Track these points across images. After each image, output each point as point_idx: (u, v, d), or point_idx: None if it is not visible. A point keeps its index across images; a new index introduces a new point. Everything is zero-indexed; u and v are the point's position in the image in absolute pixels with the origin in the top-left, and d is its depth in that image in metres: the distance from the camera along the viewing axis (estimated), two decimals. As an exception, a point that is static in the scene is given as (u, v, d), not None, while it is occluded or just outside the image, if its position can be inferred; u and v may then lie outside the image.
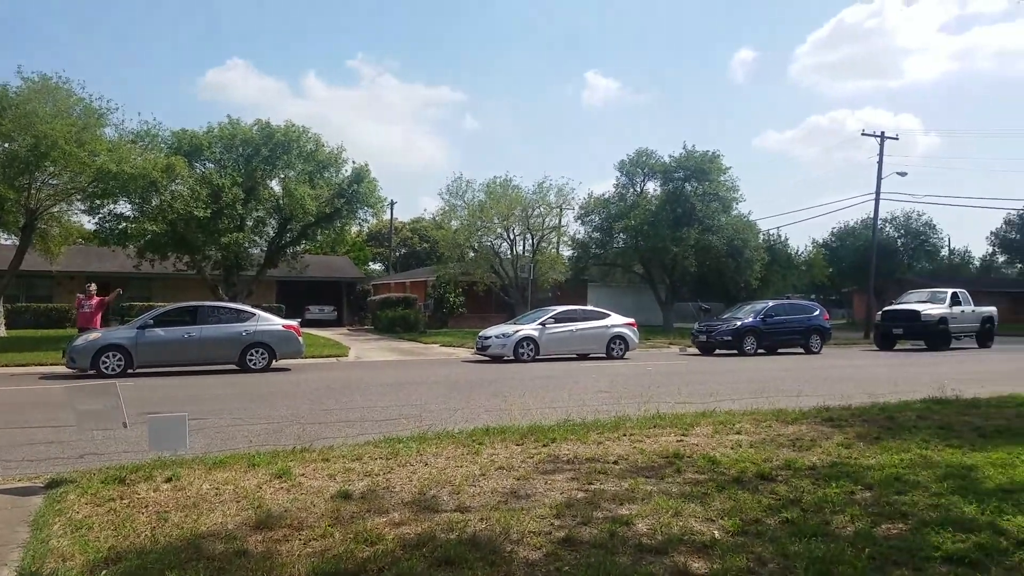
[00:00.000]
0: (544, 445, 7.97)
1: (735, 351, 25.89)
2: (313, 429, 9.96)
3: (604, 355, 23.87)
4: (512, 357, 22.54)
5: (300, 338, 19.89)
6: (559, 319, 24.01)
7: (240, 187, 29.74)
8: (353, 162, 33.75)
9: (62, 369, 18.12)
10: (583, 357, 23.97)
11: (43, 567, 4.46)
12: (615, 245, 41.87)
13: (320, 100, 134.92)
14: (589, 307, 27.24)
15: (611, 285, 45.88)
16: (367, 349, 27.93)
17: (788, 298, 35.03)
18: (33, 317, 37.63)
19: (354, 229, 51.30)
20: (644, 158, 42.31)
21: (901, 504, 5.68)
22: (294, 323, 20.29)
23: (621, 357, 23.85)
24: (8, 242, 34.68)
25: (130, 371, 17.57)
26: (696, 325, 29.30)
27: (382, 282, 54.59)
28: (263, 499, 5.88)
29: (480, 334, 24.36)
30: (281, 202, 31.53)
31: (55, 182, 27.47)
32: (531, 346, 22.91)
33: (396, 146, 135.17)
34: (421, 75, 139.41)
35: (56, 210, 29.70)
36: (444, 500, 5.87)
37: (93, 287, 20.21)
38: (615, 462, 7.21)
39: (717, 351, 26.36)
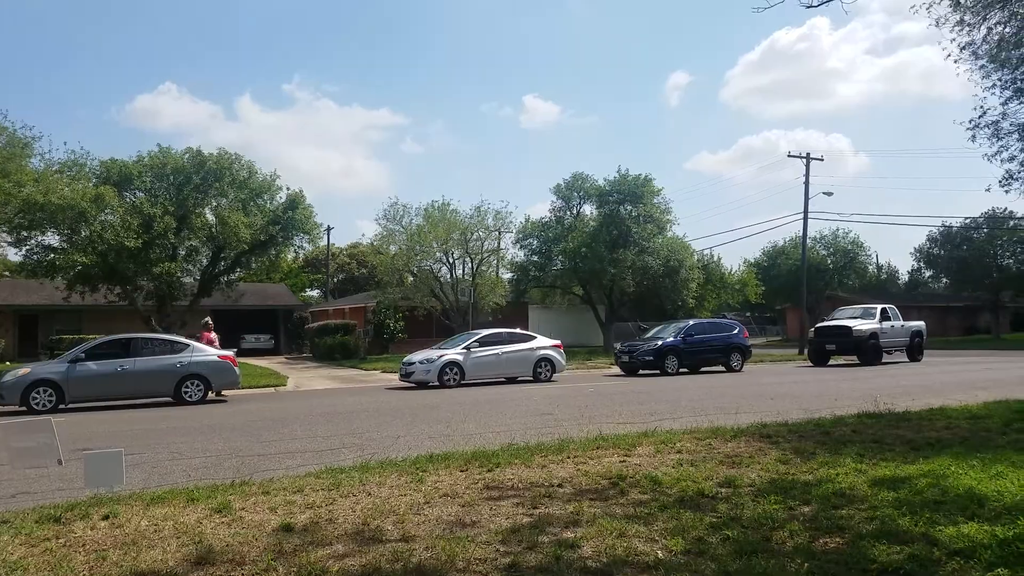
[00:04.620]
0: (488, 470, 7.96)
1: (657, 371, 25.80)
2: (252, 462, 9.81)
3: (531, 378, 23.51)
4: (436, 383, 21.98)
5: (236, 368, 19.55)
6: (484, 343, 23.49)
7: (172, 216, 29.36)
8: (288, 188, 33.63)
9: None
10: (511, 380, 23.59)
11: (-24, 613, 4.33)
12: (554, 267, 42.09)
13: (256, 124, 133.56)
14: (516, 330, 26.54)
15: (551, 307, 46.29)
16: (306, 378, 27.63)
17: (724, 316, 35.66)
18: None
19: (290, 256, 51.16)
20: (579, 182, 42.76)
21: (838, 518, 5.79)
22: (230, 353, 19.91)
23: (548, 380, 23.58)
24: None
25: (62, 406, 17.14)
26: (618, 346, 29.15)
27: (320, 308, 54.00)
28: (203, 534, 5.77)
29: (404, 360, 23.59)
30: (214, 230, 31.10)
31: (-20, 213, 26.81)
32: (456, 371, 22.39)
33: (334, 170, 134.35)
34: (360, 98, 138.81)
35: (-20, 242, 29.01)
36: (388, 530, 5.82)
37: (209, 320, 20.24)
38: (560, 485, 7.22)
39: (640, 371, 26.21)
